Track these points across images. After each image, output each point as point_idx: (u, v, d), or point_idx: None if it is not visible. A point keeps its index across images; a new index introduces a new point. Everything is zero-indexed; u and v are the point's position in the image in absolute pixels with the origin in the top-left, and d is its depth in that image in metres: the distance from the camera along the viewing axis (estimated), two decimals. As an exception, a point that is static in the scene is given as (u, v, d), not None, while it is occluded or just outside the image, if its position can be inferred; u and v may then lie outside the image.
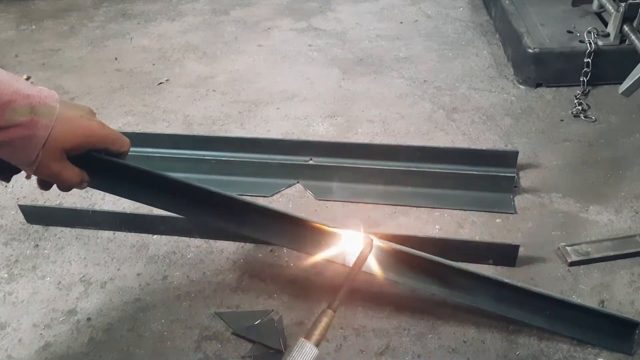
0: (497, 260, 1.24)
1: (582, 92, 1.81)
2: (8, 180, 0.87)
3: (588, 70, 1.80)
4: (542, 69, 1.85)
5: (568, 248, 1.25)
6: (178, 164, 1.55)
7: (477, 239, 1.32)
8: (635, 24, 1.73)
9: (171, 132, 1.75)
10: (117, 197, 1.49)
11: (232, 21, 2.49)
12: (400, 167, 1.47)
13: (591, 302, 1.16)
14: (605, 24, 1.88)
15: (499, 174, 1.43)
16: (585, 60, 1.79)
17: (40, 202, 1.49)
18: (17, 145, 0.72)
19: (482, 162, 1.46)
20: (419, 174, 1.46)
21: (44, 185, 0.85)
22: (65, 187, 0.84)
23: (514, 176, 1.43)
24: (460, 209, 1.40)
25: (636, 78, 1.43)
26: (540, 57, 1.83)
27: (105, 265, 1.31)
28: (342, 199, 1.45)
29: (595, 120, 1.71)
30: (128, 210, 1.43)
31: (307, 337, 0.77)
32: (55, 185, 0.84)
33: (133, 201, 1.11)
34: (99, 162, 0.87)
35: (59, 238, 1.39)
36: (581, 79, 1.81)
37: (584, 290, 1.18)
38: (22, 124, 0.70)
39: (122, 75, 2.12)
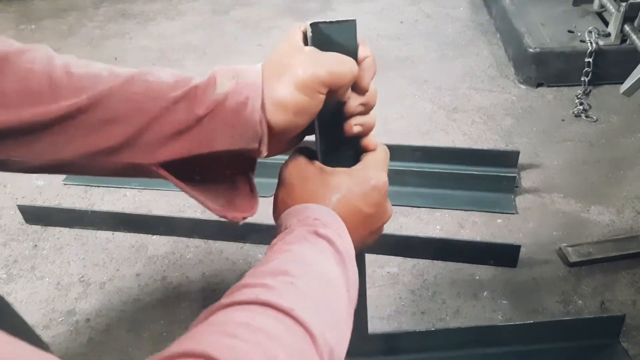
0: (498, 260, 1.24)
1: (583, 92, 1.81)
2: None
3: (589, 70, 1.79)
4: (543, 69, 1.84)
5: (569, 248, 1.25)
6: (177, 164, 1.54)
7: (478, 239, 1.32)
8: (636, 23, 1.73)
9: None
10: (116, 197, 1.49)
11: (232, 21, 2.49)
12: (400, 167, 1.46)
13: (593, 303, 1.15)
14: (606, 23, 1.88)
15: (500, 174, 1.42)
16: (586, 60, 1.78)
17: (39, 203, 1.48)
18: (232, 122, 0.54)
19: (483, 162, 1.46)
20: (419, 174, 1.45)
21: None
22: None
23: (515, 176, 1.43)
24: (461, 209, 1.40)
25: (637, 78, 1.43)
26: (541, 56, 1.82)
27: (104, 265, 1.30)
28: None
29: (597, 120, 1.70)
30: (127, 211, 1.42)
31: None
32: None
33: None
34: None
35: (58, 238, 1.38)
36: (582, 79, 1.80)
37: (586, 290, 1.18)
38: (228, 93, 0.53)
39: (121, 75, 2.11)
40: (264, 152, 0.57)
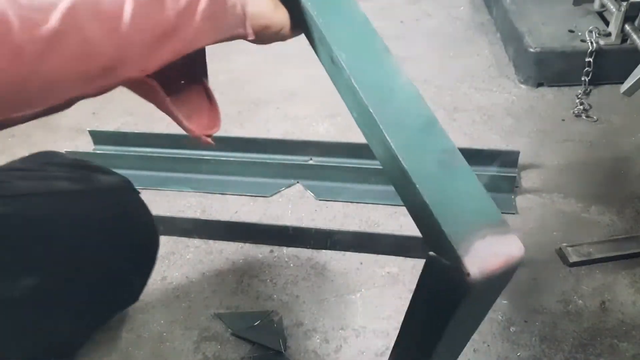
0: (498, 260, 1.24)
1: (584, 92, 1.80)
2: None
3: (589, 70, 1.79)
4: (543, 69, 1.84)
5: (569, 249, 1.25)
6: (178, 164, 1.54)
7: (478, 239, 1.31)
8: (636, 23, 1.72)
9: (171, 132, 1.75)
10: (116, 197, 1.48)
11: (232, 20, 2.48)
12: (401, 167, 1.46)
13: (593, 303, 1.15)
14: (607, 23, 1.87)
15: (500, 174, 1.42)
16: (587, 59, 1.78)
17: (39, 202, 1.48)
18: (212, 10, 0.53)
19: (483, 162, 1.46)
20: (419, 174, 1.45)
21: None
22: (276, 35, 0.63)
23: (515, 176, 1.43)
24: (461, 209, 1.39)
25: (638, 77, 1.43)
26: (541, 56, 1.82)
27: (104, 265, 1.30)
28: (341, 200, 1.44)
29: (597, 120, 1.70)
30: (127, 210, 1.42)
31: None
32: None
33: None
34: None
35: (58, 238, 1.38)
36: (583, 79, 1.80)
37: (586, 290, 1.18)
38: None
39: (121, 74, 2.11)
40: (251, 34, 0.60)
